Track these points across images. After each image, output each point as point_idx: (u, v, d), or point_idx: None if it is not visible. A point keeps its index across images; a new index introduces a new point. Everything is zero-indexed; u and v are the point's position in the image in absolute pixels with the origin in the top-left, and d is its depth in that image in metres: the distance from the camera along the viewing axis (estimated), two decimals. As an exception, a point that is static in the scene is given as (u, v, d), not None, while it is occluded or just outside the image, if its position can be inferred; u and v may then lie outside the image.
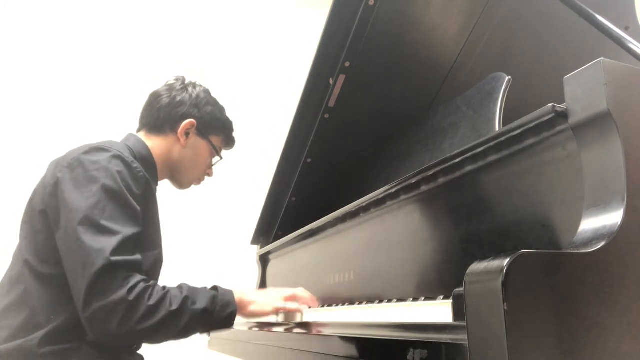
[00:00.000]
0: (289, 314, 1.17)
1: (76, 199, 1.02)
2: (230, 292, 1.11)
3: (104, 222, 1.00)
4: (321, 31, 1.43)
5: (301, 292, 1.20)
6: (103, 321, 0.95)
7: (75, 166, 1.07)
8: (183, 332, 1.03)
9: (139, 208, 1.09)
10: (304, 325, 1.09)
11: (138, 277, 0.99)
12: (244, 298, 1.12)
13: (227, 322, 1.08)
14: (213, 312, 1.05)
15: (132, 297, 0.96)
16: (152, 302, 0.98)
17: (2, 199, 2.39)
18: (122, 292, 0.95)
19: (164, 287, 1.03)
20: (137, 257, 1.02)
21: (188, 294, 1.03)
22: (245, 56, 3.11)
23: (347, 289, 1.24)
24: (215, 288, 1.11)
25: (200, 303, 1.04)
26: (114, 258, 0.97)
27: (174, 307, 1.00)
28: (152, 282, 1.02)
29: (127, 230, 1.02)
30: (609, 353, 0.58)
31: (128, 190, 1.07)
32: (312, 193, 1.70)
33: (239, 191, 2.80)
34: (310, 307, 1.18)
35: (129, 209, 1.06)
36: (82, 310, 0.96)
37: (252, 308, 1.12)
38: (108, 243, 0.98)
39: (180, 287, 1.06)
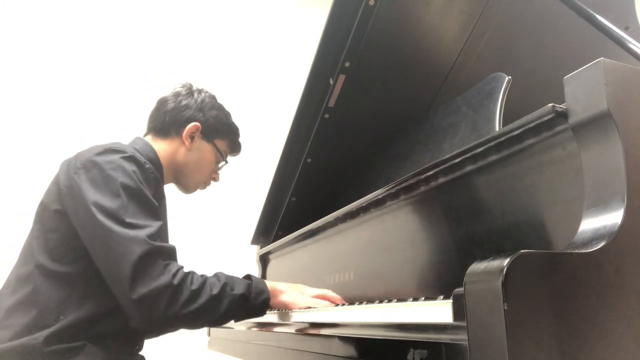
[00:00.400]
0: (283, 313, 1.19)
1: (98, 199, 1.04)
2: (263, 281, 1.15)
3: (129, 220, 1.02)
4: (321, 31, 1.44)
5: (330, 292, 1.21)
6: (150, 305, 0.97)
7: (90, 167, 1.08)
8: (222, 318, 1.06)
9: (156, 204, 1.11)
10: (304, 325, 1.09)
11: (177, 264, 1.03)
12: (276, 287, 1.16)
13: (261, 309, 1.11)
14: (249, 298, 1.08)
15: (176, 281, 0.98)
16: (194, 286, 1.01)
17: (3, 200, 2.39)
18: (167, 277, 0.98)
19: (202, 275, 1.05)
20: (172, 245, 1.05)
21: (226, 281, 1.06)
22: (245, 56, 3.11)
23: (347, 289, 1.24)
24: (248, 277, 1.14)
25: (238, 289, 1.07)
26: (150, 246, 0.99)
27: (215, 292, 1.03)
28: (190, 269, 1.04)
29: (152, 224, 1.04)
30: (609, 353, 0.58)
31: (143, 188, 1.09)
32: (312, 193, 1.70)
33: (239, 191, 2.80)
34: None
35: (148, 205, 1.08)
36: (126, 297, 0.97)
37: (283, 298, 1.16)
38: (142, 232, 1.01)
39: (216, 275, 1.09)
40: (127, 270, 0.97)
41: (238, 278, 1.11)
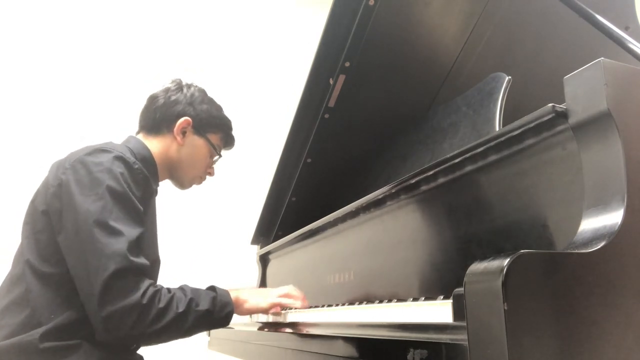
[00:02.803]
0: (282, 313, 1.23)
1: (83, 201, 1.03)
2: (227, 293, 1.16)
3: (112, 224, 1.02)
4: (321, 31, 1.43)
5: (292, 290, 1.25)
6: (117, 324, 0.98)
7: (78, 168, 1.08)
8: (187, 332, 1.08)
9: (142, 208, 1.11)
10: (304, 325, 1.09)
11: (147, 281, 1.02)
12: (240, 297, 1.19)
13: (225, 321, 1.13)
14: (213, 312, 1.10)
15: (145, 300, 0.99)
16: (161, 305, 1.01)
17: (3, 200, 2.39)
18: (136, 296, 0.98)
19: (169, 290, 1.06)
20: (145, 261, 1.05)
21: (192, 296, 1.08)
22: (245, 56, 3.11)
23: (347, 289, 1.24)
24: (213, 289, 1.15)
25: (203, 305, 1.08)
26: (125, 262, 0.99)
27: (180, 309, 1.04)
28: (159, 286, 1.05)
29: (133, 231, 1.04)
30: (609, 353, 0.58)
31: (130, 191, 1.09)
32: (312, 193, 1.70)
33: (239, 191, 2.80)
34: (300, 306, 1.23)
35: (133, 210, 1.08)
36: (95, 313, 0.98)
37: (247, 306, 1.20)
38: (119, 246, 1.00)
39: (182, 289, 1.09)
40: (98, 285, 0.97)
41: (203, 291, 1.12)
